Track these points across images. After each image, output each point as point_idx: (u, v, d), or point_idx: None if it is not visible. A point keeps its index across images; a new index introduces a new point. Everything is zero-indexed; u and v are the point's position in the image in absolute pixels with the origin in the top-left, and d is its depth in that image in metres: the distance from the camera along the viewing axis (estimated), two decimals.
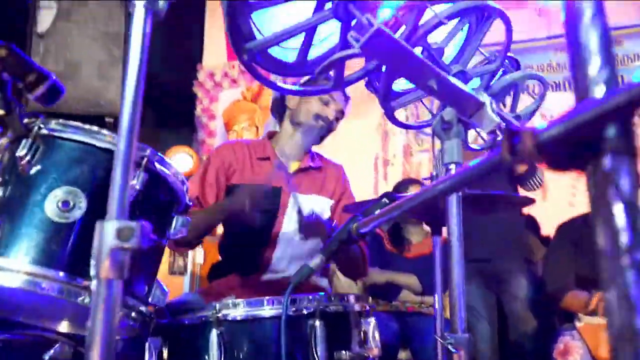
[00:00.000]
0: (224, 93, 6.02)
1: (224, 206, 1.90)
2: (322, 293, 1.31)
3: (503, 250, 3.19)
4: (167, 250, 1.53)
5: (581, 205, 3.65)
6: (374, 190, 6.08)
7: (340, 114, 2.16)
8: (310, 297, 1.27)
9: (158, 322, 1.35)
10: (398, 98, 1.46)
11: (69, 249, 1.03)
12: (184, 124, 6.20)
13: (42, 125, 1.10)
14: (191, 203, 1.87)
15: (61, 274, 1.01)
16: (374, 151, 5.95)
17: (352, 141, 5.67)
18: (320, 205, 2.08)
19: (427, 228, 3.57)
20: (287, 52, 1.19)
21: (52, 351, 1.20)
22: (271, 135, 2.23)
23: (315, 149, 2.24)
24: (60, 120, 1.12)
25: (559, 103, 5.18)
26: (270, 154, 2.12)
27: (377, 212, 1.22)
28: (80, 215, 1.05)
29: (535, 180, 3.22)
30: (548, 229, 4.01)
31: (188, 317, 1.28)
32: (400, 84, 1.50)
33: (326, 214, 2.09)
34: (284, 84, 1.22)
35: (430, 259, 3.27)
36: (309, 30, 1.10)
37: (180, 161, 4.88)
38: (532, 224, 4.47)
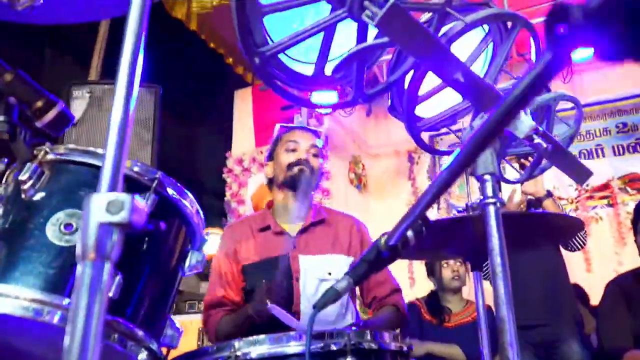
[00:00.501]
0: (253, 178, 6.06)
1: (248, 314, 1.81)
2: (354, 328, 1.17)
3: (550, 314, 2.97)
4: None
5: None
6: (408, 269, 5.89)
7: (315, 149, 2.12)
8: (340, 331, 1.13)
9: None
10: (422, 121, 1.39)
11: (73, 274, 0.94)
12: (214, 210, 6.23)
13: (48, 151, 1.05)
14: (215, 303, 1.88)
15: (65, 301, 0.91)
16: None
17: (384, 221, 5.60)
18: (336, 265, 1.96)
19: (465, 297, 3.38)
20: (304, 66, 1.14)
21: None
22: (270, 205, 2.21)
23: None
24: (69, 145, 1.07)
25: None
26: (270, 222, 2.09)
27: (410, 232, 1.11)
28: None
29: (579, 240, 3.07)
30: (595, 300, 3.78)
31: None
32: (424, 109, 1.43)
33: (342, 274, 1.95)
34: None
35: (472, 327, 3.12)
36: (325, 39, 1.05)
37: (211, 241, 4.83)
38: (580, 293, 4.23)
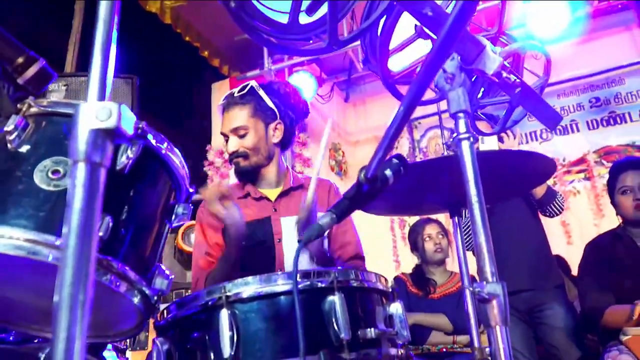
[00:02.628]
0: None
1: (230, 245, 1.86)
2: (339, 267, 1.21)
3: (533, 280, 3.04)
4: None
5: None
6: (393, 252, 5.97)
7: (240, 130, 2.02)
8: (326, 270, 1.17)
9: (162, 324, 1.26)
10: (399, 76, 1.43)
11: (62, 216, 0.96)
12: (195, 205, 6.22)
13: (32, 104, 1.07)
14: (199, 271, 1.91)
15: (58, 241, 0.93)
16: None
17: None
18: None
19: (449, 268, 3.45)
20: (279, 16, 1.17)
21: (48, 349, 1.09)
22: None
23: None
24: (52, 99, 1.09)
25: None
26: (250, 190, 2.09)
27: (388, 171, 1.15)
28: None
29: (555, 205, 3.15)
30: (575, 271, 3.87)
31: (195, 304, 1.18)
32: (399, 61, 1.47)
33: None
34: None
35: (457, 297, 3.18)
36: None
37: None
38: (561, 264, 4.32)
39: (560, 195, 3.20)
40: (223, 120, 2.08)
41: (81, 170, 0.61)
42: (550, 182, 5.72)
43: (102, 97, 0.64)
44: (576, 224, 5.29)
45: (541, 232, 3.23)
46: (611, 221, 3.27)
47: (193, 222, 2.32)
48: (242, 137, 2.02)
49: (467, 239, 2.95)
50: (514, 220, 3.15)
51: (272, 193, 2.10)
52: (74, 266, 0.60)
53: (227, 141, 2.07)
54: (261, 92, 2.06)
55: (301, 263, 1.86)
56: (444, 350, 3.07)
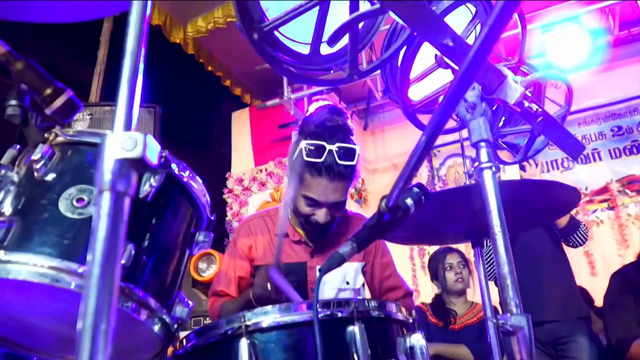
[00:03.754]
0: (253, 197, 6.09)
1: (248, 295, 1.79)
2: (360, 297, 1.19)
3: (557, 311, 2.98)
4: None
5: None
6: (413, 282, 5.90)
7: (339, 205, 1.86)
8: (346, 300, 1.16)
9: (181, 352, 1.25)
10: (417, 102, 1.44)
11: (87, 244, 0.97)
12: (214, 231, 6.24)
13: (58, 133, 1.09)
14: (219, 293, 1.87)
15: (80, 269, 0.94)
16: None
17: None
18: (352, 273, 1.94)
19: (470, 298, 3.40)
20: (301, 46, 1.19)
21: None
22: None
23: None
24: (77, 129, 1.11)
25: None
26: (289, 230, 1.98)
27: (409, 200, 1.15)
28: None
29: (579, 235, 3.10)
30: (599, 303, 3.79)
31: (214, 333, 1.17)
32: (419, 91, 1.48)
33: (359, 281, 1.96)
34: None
35: (478, 328, 3.12)
36: (320, 16, 1.10)
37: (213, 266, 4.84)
38: (585, 296, 4.23)
39: (584, 225, 3.16)
40: (319, 185, 1.79)
41: (106, 199, 0.62)
42: (572, 211, 5.67)
43: (128, 127, 0.65)
44: (600, 255, 5.19)
45: (565, 262, 3.19)
46: (636, 251, 3.21)
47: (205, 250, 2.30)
48: (337, 209, 1.88)
49: (490, 269, 2.92)
50: (537, 251, 3.11)
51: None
52: (97, 294, 0.60)
53: (308, 205, 1.85)
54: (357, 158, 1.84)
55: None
56: None
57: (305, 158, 1.72)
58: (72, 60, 4.80)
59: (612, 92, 5.39)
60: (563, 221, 3.06)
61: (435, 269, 3.47)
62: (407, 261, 5.98)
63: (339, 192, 1.79)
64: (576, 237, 3.10)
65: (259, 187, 6.10)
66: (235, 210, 6.07)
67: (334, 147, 1.75)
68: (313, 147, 1.73)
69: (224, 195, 6.18)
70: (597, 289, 3.99)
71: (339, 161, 1.74)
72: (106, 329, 0.58)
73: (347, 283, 1.92)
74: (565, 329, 2.96)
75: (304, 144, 1.74)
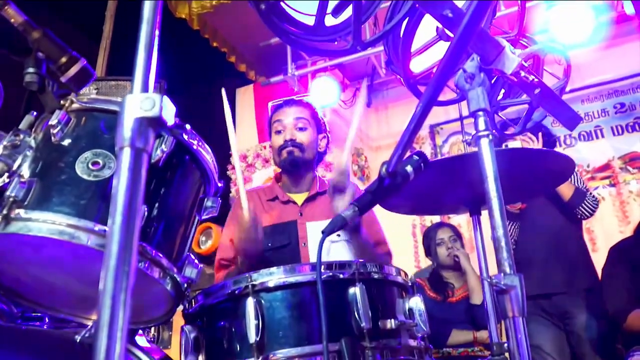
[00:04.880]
0: (257, 173, 6.14)
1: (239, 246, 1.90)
2: (361, 260, 1.25)
3: (565, 284, 3.03)
4: None
5: None
6: (415, 258, 5.97)
7: (301, 121, 2.16)
8: (348, 262, 1.22)
9: (191, 312, 1.32)
10: (420, 77, 1.47)
11: (102, 204, 1.03)
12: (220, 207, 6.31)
13: (74, 100, 1.14)
14: (226, 260, 1.99)
15: (97, 227, 1.00)
16: (411, 218, 5.91)
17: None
18: None
19: (465, 274, 3.44)
20: (306, 18, 1.23)
21: (83, 332, 1.16)
22: (278, 178, 2.31)
23: None
24: (92, 96, 1.16)
25: None
26: (278, 193, 2.18)
27: (409, 167, 1.20)
28: (110, 174, 1.06)
29: (586, 206, 3.08)
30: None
31: (222, 293, 1.23)
32: (420, 63, 1.51)
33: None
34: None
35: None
36: None
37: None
38: None
39: (591, 194, 3.12)
40: (283, 112, 2.18)
41: (126, 155, 0.67)
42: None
43: (145, 89, 0.70)
44: (600, 231, 5.23)
45: (575, 235, 3.20)
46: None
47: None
48: (301, 130, 2.14)
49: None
50: (546, 224, 3.15)
51: (299, 197, 2.17)
52: (119, 246, 0.65)
53: (277, 132, 2.15)
54: (317, 106, 2.24)
55: (340, 253, 1.92)
56: (465, 354, 3.08)
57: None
58: (78, 36, 4.82)
59: (616, 69, 5.38)
60: (567, 193, 3.06)
61: (428, 245, 3.55)
62: (410, 238, 6.03)
63: (299, 111, 2.17)
64: (584, 208, 3.08)
65: (263, 163, 6.14)
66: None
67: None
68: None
69: (227, 172, 6.22)
70: (599, 265, 4.03)
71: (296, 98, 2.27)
72: (128, 271, 0.64)
73: (339, 235, 2.02)
74: (571, 301, 3.00)
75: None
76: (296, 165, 2.14)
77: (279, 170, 2.31)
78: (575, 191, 3.07)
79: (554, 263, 3.06)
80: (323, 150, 2.23)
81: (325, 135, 2.23)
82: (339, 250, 1.93)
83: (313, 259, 1.97)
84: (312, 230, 2.06)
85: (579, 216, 3.14)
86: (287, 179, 2.23)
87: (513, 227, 3.34)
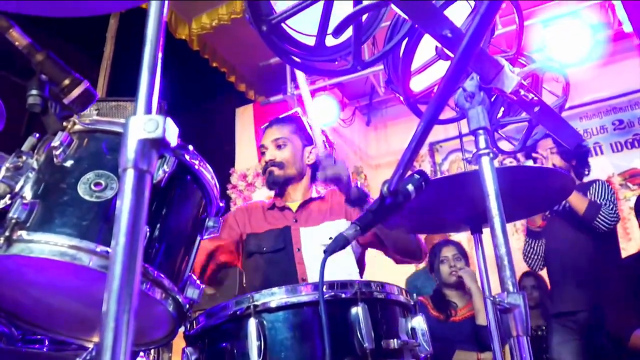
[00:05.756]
0: (257, 192, 6.15)
1: None
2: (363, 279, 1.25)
3: (574, 301, 3.03)
4: None
5: None
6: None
7: (279, 140, 2.22)
8: (350, 281, 1.22)
9: (192, 333, 1.31)
10: (418, 93, 1.48)
11: (104, 225, 1.03)
12: None
13: (76, 122, 1.15)
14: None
15: (99, 248, 0.99)
16: None
17: None
18: (335, 229, 2.08)
19: (468, 293, 3.43)
20: (307, 38, 1.24)
21: (84, 355, 1.15)
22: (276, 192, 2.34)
23: None
24: (94, 117, 1.17)
25: None
26: (276, 201, 2.25)
27: (410, 186, 1.20)
28: (112, 195, 1.06)
29: (602, 218, 2.99)
30: None
31: (223, 314, 1.22)
32: (420, 82, 1.52)
33: None
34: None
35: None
36: (325, 9, 1.15)
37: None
38: None
39: (608, 204, 3.03)
40: (265, 134, 2.26)
41: (130, 176, 0.67)
42: None
43: (149, 110, 0.70)
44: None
45: (599, 250, 3.10)
46: (638, 244, 3.23)
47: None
48: (280, 147, 2.21)
49: (530, 262, 3.22)
50: (565, 241, 3.14)
51: (294, 205, 2.23)
52: (122, 267, 0.65)
53: (263, 154, 2.23)
54: (304, 119, 2.29)
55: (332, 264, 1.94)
56: None
57: None
58: (79, 56, 4.86)
59: (613, 86, 5.41)
60: (581, 208, 3.00)
61: (432, 262, 3.54)
62: None
63: (278, 131, 2.24)
64: (599, 221, 2.99)
65: (263, 182, 6.14)
66: (239, 205, 6.12)
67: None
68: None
69: (227, 191, 6.23)
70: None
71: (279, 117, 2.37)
72: (131, 293, 0.63)
73: (330, 238, 2.03)
74: (585, 318, 2.99)
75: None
76: (277, 184, 2.22)
77: None
78: (589, 205, 2.99)
79: (572, 280, 3.05)
80: (312, 161, 2.25)
81: (313, 145, 2.26)
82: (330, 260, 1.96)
83: (307, 263, 2.02)
84: (306, 235, 2.11)
85: (599, 229, 3.01)
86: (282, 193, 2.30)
87: (538, 244, 3.34)
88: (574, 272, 3.07)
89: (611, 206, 3.05)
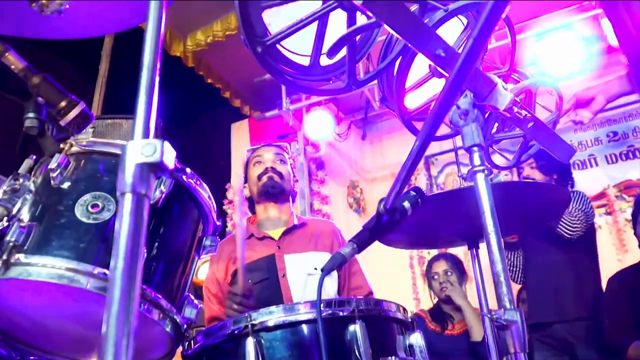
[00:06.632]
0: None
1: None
2: (360, 297, 1.25)
3: (560, 313, 3.00)
4: None
5: None
6: (413, 290, 5.93)
7: (279, 156, 2.29)
8: (347, 299, 1.22)
9: (190, 353, 1.30)
10: (412, 110, 1.50)
11: (102, 247, 1.03)
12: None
13: (73, 144, 1.15)
14: (214, 318, 2.02)
15: (96, 270, 1.00)
16: (408, 250, 5.89)
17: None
18: (320, 261, 2.09)
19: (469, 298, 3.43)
20: (301, 58, 1.25)
21: None
22: (252, 221, 2.35)
23: None
24: (91, 139, 1.18)
25: None
26: (253, 231, 2.23)
27: (406, 203, 1.21)
28: (109, 216, 1.06)
29: (565, 224, 2.95)
30: None
31: (221, 333, 1.22)
32: (414, 99, 1.54)
33: None
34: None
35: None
36: (319, 29, 1.17)
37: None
38: None
39: (573, 212, 2.99)
40: (259, 151, 2.33)
41: (128, 200, 0.68)
42: None
43: (146, 134, 0.71)
44: (599, 260, 5.23)
45: (571, 265, 3.08)
46: (634, 255, 3.23)
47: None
48: (282, 162, 2.27)
49: (512, 275, 3.20)
50: (540, 250, 3.14)
51: (276, 233, 2.22)
52: (121, 287, 0.65)
53: (257, 163, 2.27)
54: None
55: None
56: None
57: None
58: (74, 74, 4.87)
59: None
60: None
61: (428, 277, 3.56)
62: (407, 270, 6.01)
63: (277, 150, 2.32)
64: (562, 228, 2.95)
65: None
66: (235, 221, 6.11)
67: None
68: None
69: (224, 206, 6.22)
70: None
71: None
72: (130, 316, 0.64)
73: (315, 269, 2.07)
74: (569, 330, 2.96)
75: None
76: (275, 188, 2.22)
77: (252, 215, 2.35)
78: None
79: (550, 293, 3.04)
80: (294, 191, 2.33)
81: (296, 179, 2.36)
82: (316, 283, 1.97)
83: (293, 289, 2.02)
84: (291, 262, 2.11)
85: (563, 237, 2.97)
86: (263, 214, 2.28)
87: (515, 256, 3.35)
88: (549, 283, 3.06)
89: (578, 214, 2.99)
